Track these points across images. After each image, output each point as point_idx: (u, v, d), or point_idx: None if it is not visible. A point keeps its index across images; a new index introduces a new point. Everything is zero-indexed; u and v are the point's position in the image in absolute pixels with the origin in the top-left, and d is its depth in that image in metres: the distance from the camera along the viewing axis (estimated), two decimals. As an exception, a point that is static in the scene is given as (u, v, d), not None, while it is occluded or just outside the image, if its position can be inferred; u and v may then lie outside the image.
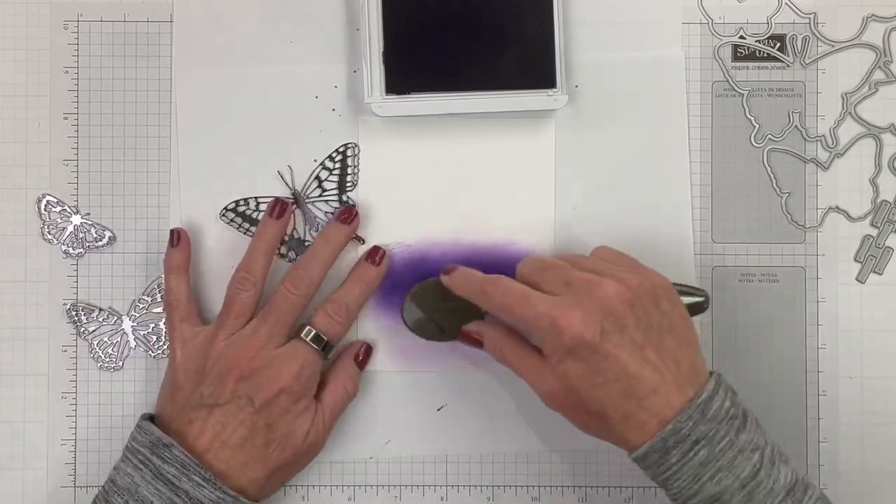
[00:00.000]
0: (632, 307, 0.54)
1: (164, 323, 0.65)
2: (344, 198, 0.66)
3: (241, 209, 0.66)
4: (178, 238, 0.64)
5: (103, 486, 0.59)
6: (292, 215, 0.65)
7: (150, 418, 0.61)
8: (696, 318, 0.60)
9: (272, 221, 0.64)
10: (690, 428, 0.53)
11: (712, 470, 0.53)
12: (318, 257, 0.63)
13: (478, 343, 0.61)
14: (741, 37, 0.66)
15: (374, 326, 0.66)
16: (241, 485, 0.58)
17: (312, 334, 0.61)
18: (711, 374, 0.55)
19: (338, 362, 0.64)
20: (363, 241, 0.66)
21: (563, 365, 0.55)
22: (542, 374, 0.56)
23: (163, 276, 0.65)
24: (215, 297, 0.65)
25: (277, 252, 0.65)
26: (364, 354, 0.64)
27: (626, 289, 0.54)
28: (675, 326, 0.56)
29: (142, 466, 0.58)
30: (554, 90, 0.64)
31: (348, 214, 0.64)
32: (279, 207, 0.64)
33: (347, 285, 0.64)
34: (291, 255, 0.66)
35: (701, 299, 0.61)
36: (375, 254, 0.64)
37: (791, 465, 0.54)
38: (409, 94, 0.64)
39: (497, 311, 0.58)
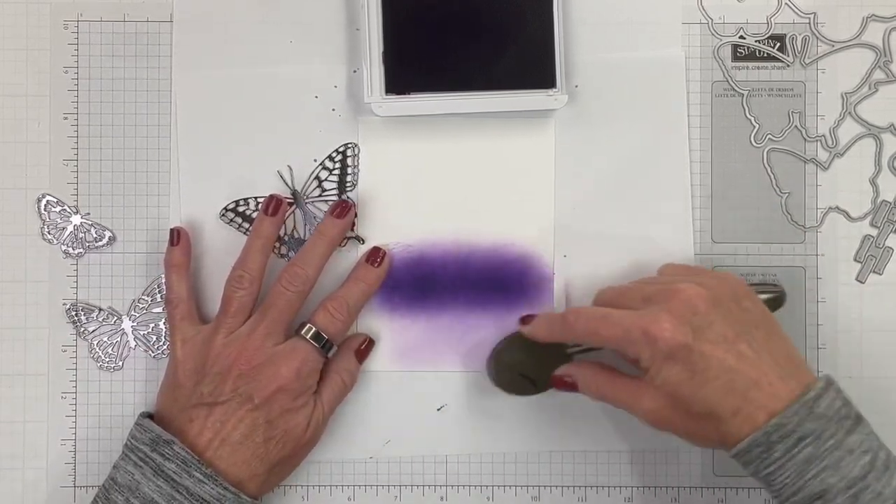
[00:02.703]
0: (715, 305, 0.55)
1: (165, 322, 0.65)
2: (344, 198, 0.66)
3: (240, 209, 0.66)
4: (177, 237, 0.64)
5: (103, 485, 0.59)
6: (291, 213, 0.65)
7: (150, 416, 0.61)
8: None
9: (267, 218, 0.63)
10: (796, 424, 0.52)
11: (817, 468, 0.52)
12: (314, 252, 0.63)
13: (572, 386, 0.60)
14: (741, 37, 0.66)
15: (373, 326, 0.66)
16: (242, 481, 0.58)
17: (312, 332, 0.61)
18: (824, 376, 0.55)
19: (337, 354, 0.63)
20: (363, 240, 0.66)
21: (663, 373, 0.54)
22: (642, 395, 0.56)
23: (163, 275, 0.65)
24: (215, 296, 0.65)
25: (277, 251, 0.65)
26: (366, 347, 0.64)
27: (705, 290, 0.55)
28: (761, 322, 0.56)
29: (142, 464, 0.58)
30: (554, 90, 0.64)
31: (342, 208, 0.64)
32: (274, 204, 0.64)
33: (348, 285, 0.64)
34: (291, 254, 0.66)
35: (778, 293, 0.62)
36: (376, 255, 0.64)
37: None
38: (408, 94, 0.64)
39: (584, 337, 0.57)
